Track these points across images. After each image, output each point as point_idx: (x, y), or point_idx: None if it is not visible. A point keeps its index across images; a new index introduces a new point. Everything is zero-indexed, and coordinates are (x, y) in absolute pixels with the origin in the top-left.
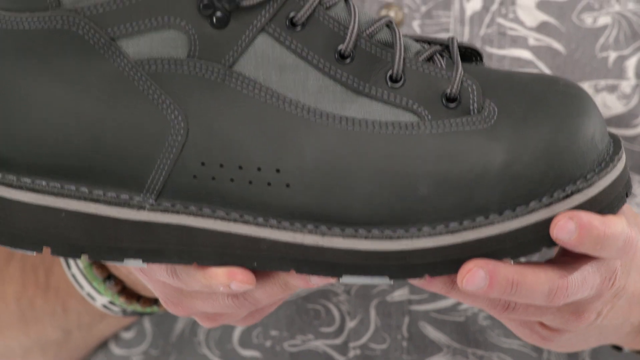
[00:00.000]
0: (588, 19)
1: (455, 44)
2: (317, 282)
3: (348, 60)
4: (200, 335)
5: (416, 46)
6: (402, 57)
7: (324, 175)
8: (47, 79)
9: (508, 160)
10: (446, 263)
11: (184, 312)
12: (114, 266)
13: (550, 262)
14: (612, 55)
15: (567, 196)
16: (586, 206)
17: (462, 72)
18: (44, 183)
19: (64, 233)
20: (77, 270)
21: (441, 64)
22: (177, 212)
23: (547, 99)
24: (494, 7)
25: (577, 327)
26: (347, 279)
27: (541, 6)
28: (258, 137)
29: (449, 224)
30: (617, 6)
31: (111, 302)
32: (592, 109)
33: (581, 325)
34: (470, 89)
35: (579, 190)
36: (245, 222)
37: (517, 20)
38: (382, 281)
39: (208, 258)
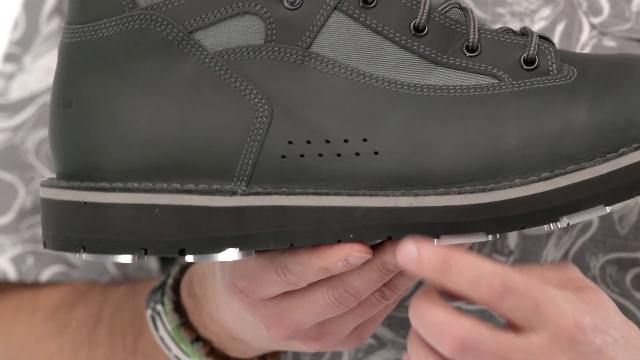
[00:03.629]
0: None
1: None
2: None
3: (424, 32)
4: None
5: (490, 25)
6: (476, 27)
7: (411, 138)
8: (128, 86)
9: (592, 108)
10: (541, 212)
11: (287, 331)
12: (203, 327)
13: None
14: None
15: None
16: None
17: (538, 37)
18: (136, 185)
19: (159, 230)
20: (165, 332)
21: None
22: (269, 194)
23: (625, 63)
24: None
25: None
26: (444, 241)
27: None
28: (342, 111)
29: (540, 174)
30: None
31: None
32: None
33: None
34: (547, 51)
35: None
36: (338, 193)
37: None
38: (479, 239)
39: (303, 237)
